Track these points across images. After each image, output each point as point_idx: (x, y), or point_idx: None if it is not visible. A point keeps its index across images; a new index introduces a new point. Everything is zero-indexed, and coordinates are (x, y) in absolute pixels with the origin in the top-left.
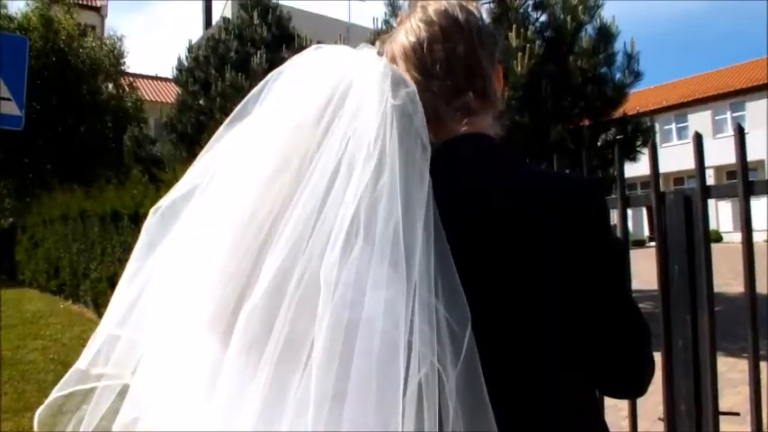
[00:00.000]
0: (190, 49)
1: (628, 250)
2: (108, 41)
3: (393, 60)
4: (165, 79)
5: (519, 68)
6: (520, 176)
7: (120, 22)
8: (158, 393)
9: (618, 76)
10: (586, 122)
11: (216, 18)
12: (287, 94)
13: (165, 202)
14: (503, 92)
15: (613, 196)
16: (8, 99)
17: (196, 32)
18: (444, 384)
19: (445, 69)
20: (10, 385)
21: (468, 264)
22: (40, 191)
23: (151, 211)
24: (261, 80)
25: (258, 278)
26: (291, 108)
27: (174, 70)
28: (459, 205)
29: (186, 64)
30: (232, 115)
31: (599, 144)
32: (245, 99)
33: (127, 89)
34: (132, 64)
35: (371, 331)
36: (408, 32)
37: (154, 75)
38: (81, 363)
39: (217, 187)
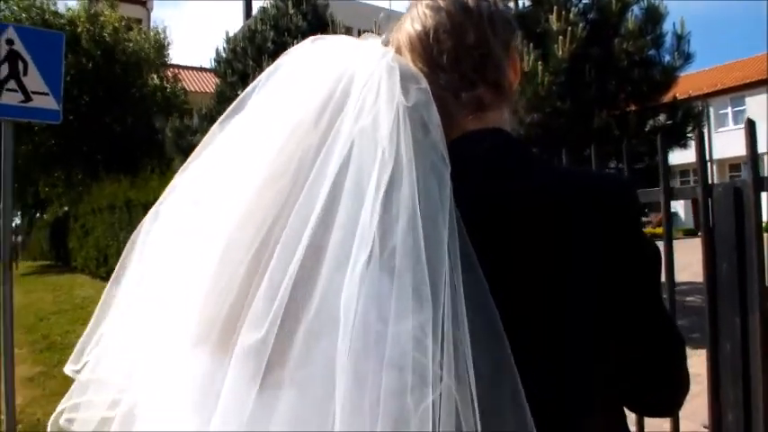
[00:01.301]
0: (228, 40)
1: (661, 257)
2: (153, 34)
3: (399, 51)
4: (210, 70)
5: (560, 53)
6: (543, 174)
7: (166, 14)
8: (147, 402)
9: (667, 58)
10: (633, 108)
11: (256, 9)
12: (282, 91)
13: (158, 204)
14: (541, 78)
15: (658, 188)
16: (46, 93)
17: (238, 23)
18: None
19: (453, 60)
20: (58, 369)
21: (490, 269)
22: (90, 180)
23: (149, 213)
24: None
25: (252, 295)
26: (287, 106)
27: (213, 61)
28: (473, 209)
29: (225, 55)
30: (227, 113)
31: (647, 130)
32: (241, 96)
33: (171, 80)
34: (177, 55)
35: (396, 366)
36: (414, 20)
37: (198, 66)
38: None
39: (207, 190)
